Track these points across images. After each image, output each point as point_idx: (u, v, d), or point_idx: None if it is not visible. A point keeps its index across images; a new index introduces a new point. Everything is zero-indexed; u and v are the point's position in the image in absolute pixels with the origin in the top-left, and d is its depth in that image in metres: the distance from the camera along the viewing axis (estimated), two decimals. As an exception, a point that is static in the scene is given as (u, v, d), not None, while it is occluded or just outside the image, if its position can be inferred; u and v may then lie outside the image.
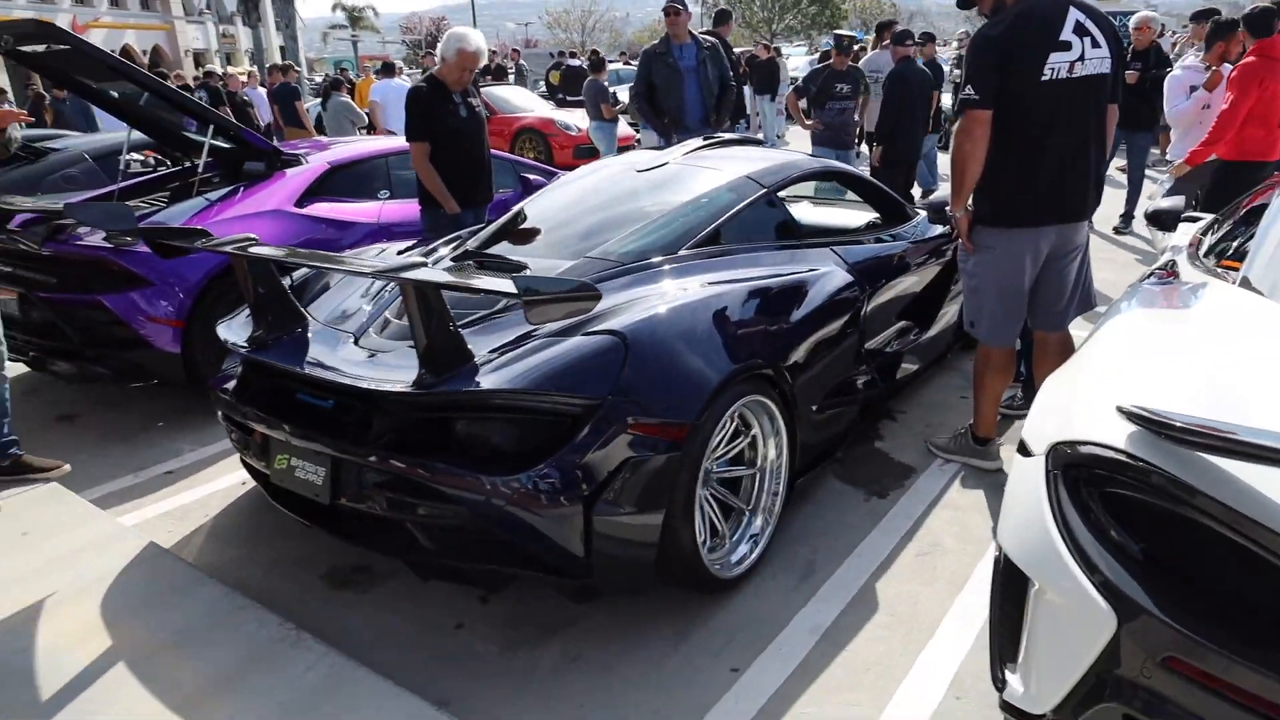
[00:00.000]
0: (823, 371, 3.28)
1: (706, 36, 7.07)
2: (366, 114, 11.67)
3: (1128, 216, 8.11)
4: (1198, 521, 1.57)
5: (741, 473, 2.97)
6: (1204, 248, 3.09)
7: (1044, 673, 1.79)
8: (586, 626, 2.70)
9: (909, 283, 4.28)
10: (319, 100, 13.36)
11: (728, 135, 5.01)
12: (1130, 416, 1.63)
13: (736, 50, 9.27)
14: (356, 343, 2.92)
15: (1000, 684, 1.91)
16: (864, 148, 9.26)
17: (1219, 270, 2.73)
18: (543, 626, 2.70)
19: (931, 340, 4.49)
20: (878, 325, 3.91)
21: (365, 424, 2.60)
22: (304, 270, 3.48)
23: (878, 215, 4.66)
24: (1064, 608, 1.72)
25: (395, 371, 2.60)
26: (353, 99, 12.19)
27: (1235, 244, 2.94)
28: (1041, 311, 3.55)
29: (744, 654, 2.57)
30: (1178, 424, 1.54)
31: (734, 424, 2.81)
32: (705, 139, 4.52)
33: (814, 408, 3.21)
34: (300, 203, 4.95)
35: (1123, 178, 8.24)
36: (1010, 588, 1.88)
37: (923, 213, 4.64)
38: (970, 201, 3.41)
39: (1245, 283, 2.42)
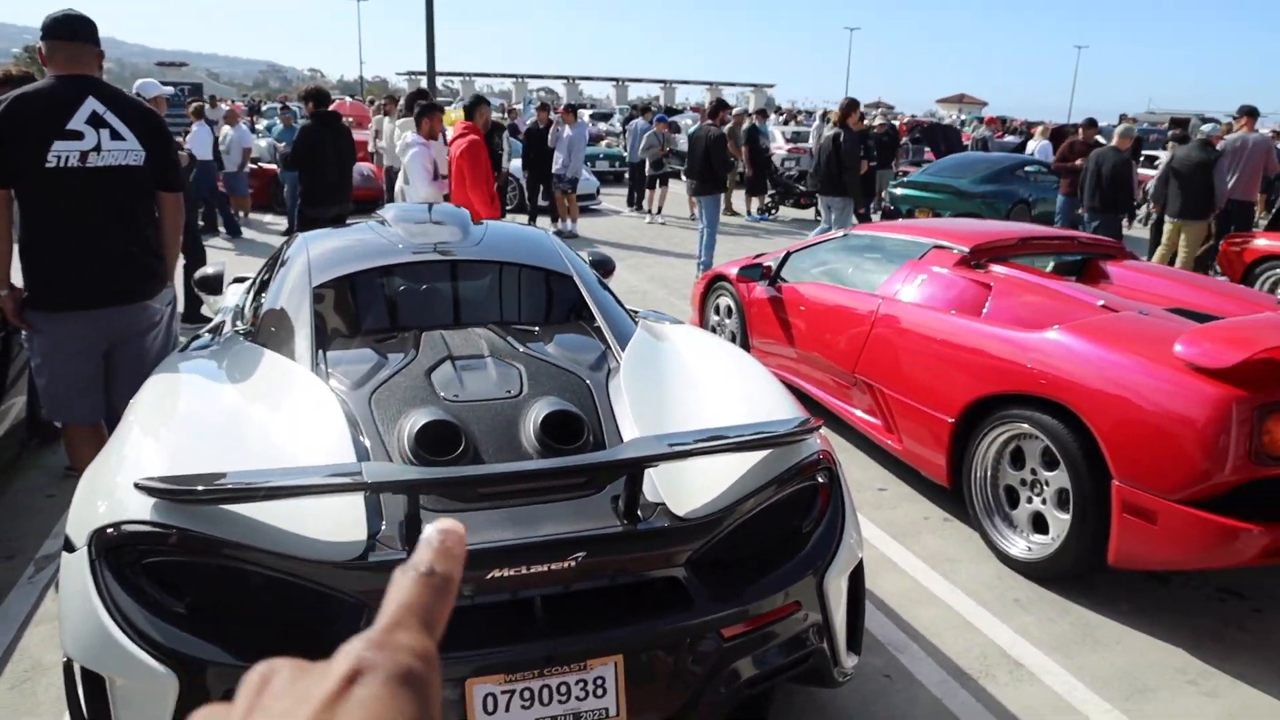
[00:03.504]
0: None
1: None
2: None
3: None
4: (228, 565, 1.78)
5: None
6: (245, 310, 3.42)
7: (137, 757, 1.80)
8: None
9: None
10: None
11: None
12: (150, 490, 1.74)
13: None
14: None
15: None
16: None
17: (246, 327, 3.07)
18: None
19: (-5, 442, 4.01)
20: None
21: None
22: None
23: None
24: (137, 689, 1.77)
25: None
26: None
27: (251, 304, 3.32)
28: (125, 387, 3.44)
29: None
30: (199, 489, 1.72)
31: None
32: None
33: None
34: None
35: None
36: (90, 692, 1.83)
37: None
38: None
39: (255, 338, 2.78)
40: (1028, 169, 12.78)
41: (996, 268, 4.34)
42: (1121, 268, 4.79)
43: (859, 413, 4.56)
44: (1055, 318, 3.66)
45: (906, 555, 3.68)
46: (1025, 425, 3.46)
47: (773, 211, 14.38)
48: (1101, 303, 3.84)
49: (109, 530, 1.82)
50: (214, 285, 4.40)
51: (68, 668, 1.87)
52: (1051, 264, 4.99)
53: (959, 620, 3.20)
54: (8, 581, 3.35)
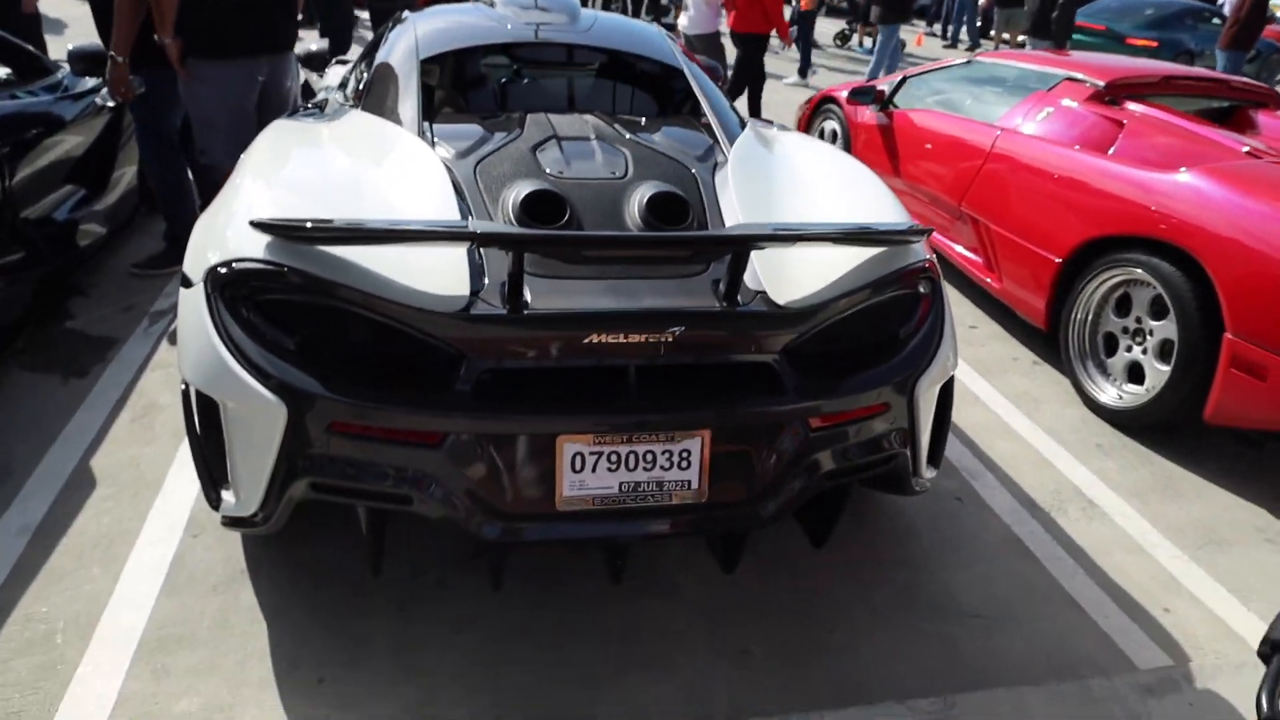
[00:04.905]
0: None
1: None
2: None
3: None
4: (339, 307, 1.83)
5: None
6: (350, 85, 3.41)
7: (247, 478, 1.94)
8: None
9: (67, 144, 3.86)
10: None
11: None
12: (263, 227, 1.79)
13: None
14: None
15: (216, 503, 2.02)
16: None
17: (352, 101, 3.07)
18: None
19: (113, 205, 4.18)
20: (32, 193, 3.48)
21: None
22: None
23: (9, 71, 4.03)
24: (249, 415, 1.87)
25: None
26: None
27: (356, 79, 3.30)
28: None
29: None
30: (308, 225, 1.75)
31: None
32: None
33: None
34: None
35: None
36: (205, 415, 1.96)
37: (66, 66, 4.16)
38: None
39: (361, 107, 2.78)
40: (1211, 18, 11.68)
41: (1132, 105, 4.02)
42: (1276, 118, 4.39)
43: (960, 248, 4.40)
44: (1193, 162, 3.40)
45: (991, 392, 3.63)
46: (1139, 270, 3.28)
47: (844, 41, 13.69)
48: (1246, 149, 3.54)
49: (222, 268, 1.89)
50: (318, 63, 4.38)
51: (185, 393, 2.00)
52: (1196, 109, 4.60)
53: (1037, 457, 3.18)
54: (126, 331, 3.56)
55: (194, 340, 1.92)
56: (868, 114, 5.27)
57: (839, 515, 2.25)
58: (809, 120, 6.02)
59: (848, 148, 5.47)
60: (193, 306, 1.94)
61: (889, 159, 5.01)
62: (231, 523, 2.02)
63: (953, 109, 4.80)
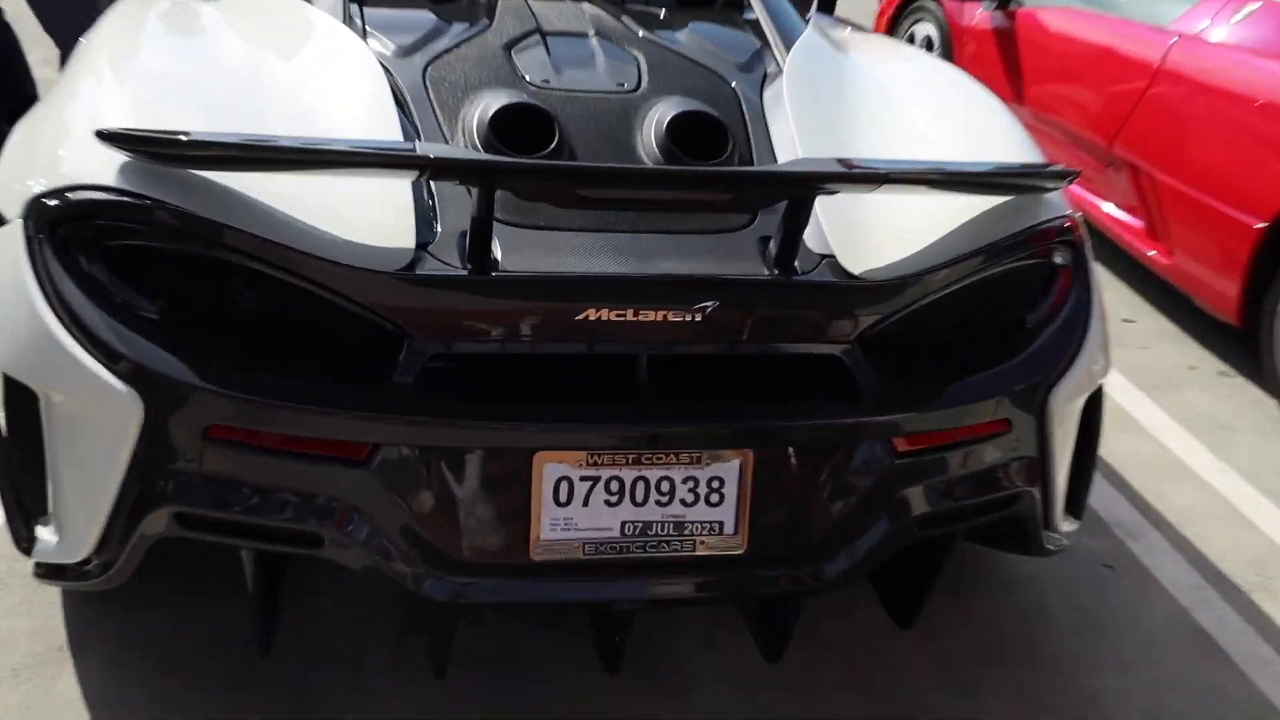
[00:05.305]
0: None
1: None
2: None
3: None
4: (226, 260, 1.79)
5: None
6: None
7: (77, 506, 1.89)
8: None
9: None
10: None
11: None
12: (116, 140, 1.72)
13: None
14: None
15: (28, 543, 1.96)
16: None
17: None
18: None
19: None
20: None
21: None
22: None
23: None
24: (84, 412, 1.82)
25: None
26: None
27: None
28: None
29: None
30: (184, 139, 1.70)
31: None
32: None
33: None
34: None
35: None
36: (17, 412, 1.91)
37: None
38: None
39: None
40: None
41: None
42: None
43: (1109, 207, 4.43)
44: None
45: (1158, 414, 3.61)
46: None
47: None
48: None
49: (52, 198, 1.84)
50: None
51: (-13, 379, 1.94)
52: None
53: (1227, 510, 3.15)
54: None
55: (4, 302, 1.86)
56: (979, 14, 5.37)
57: (934, 583, 2.22)
58: (892, 22, 6.10)
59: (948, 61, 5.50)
60: (5, 253, 1.88)
61: (1008, 78, 5.07)
62: (50, 573, 1.98)
63: (1104, 7, 4.80)
